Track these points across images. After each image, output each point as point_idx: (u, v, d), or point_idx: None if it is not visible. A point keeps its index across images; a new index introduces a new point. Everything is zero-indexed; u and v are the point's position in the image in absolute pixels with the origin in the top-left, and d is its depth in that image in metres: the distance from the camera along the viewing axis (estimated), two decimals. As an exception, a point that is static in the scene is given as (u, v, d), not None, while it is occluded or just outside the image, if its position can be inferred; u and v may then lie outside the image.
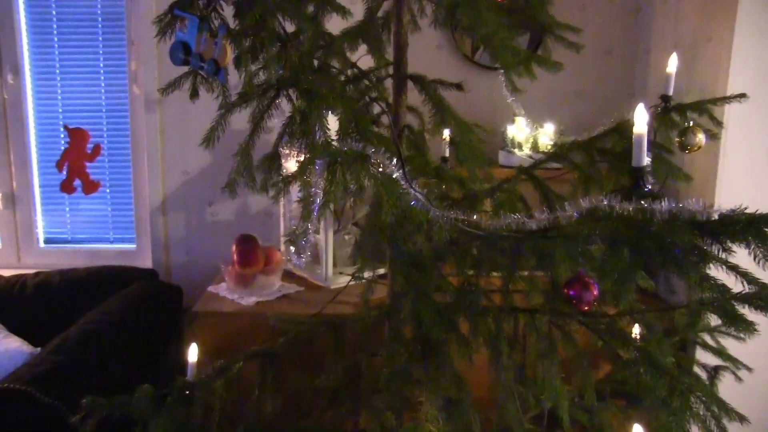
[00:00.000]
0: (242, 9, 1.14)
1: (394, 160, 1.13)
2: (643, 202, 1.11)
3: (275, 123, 1.34)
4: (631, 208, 1.08)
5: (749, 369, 1.94)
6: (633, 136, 1.17)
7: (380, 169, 1.09)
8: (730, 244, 1.11)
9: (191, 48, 1.12)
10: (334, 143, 1.17)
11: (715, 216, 1.10)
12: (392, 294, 1.65)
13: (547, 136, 2.69)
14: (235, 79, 1.26)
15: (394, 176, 1.10)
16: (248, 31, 1.15)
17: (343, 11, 1.54)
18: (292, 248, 1.46)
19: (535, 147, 2.65)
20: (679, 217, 1.09)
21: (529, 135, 2.68)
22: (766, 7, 2.15)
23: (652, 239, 1.10)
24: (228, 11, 1.23)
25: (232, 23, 1.21)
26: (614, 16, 2.99)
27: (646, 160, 1.19)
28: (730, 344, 1.88)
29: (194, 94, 1.36)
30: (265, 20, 1.14)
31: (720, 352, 1.94)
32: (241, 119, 1.41)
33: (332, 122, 1.25)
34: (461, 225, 1.12)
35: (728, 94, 2.17)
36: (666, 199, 1.13)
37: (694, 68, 2.39)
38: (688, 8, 2.49)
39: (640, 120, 1.16)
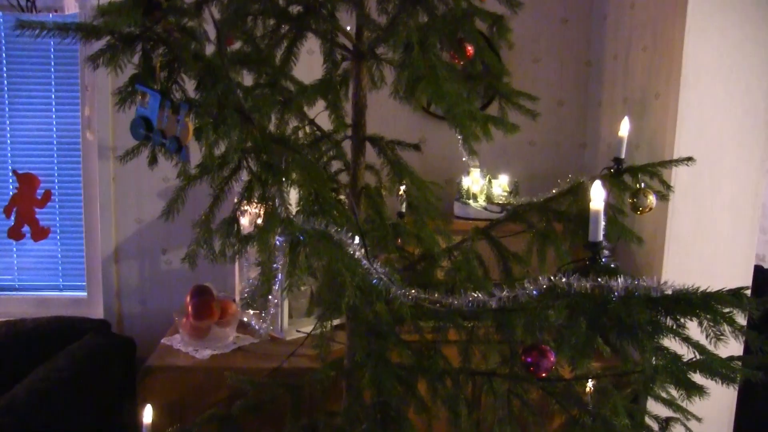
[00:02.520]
0: (204, 85, 1.14)
1: (355, 236, 1.14)
2: (599, 278, 1.13)
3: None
4: (588, 286, 1.11)
5: (699, 419, 1.97)
6: (590, 212, 1.20)
7: (342, 249, 1.09)
8: (682, 320, 1.15)
9: (153, 124, 1.12)
10: (295, 218, 1.17)
11: (669, 292, 1.13)
12: (350, 358, 1.65)
13: (500, 187, 2.73)
14: (194, 146, 1.26)
15: (356, 255, 1.11)
16: (210, 105, 1.15)
17: (299, 85, 1.56)
18: (250, 310, 1.45)
19: (489, 199, 2.68)
20: (634, 294, 1.11)
21: (484, 186, 2.71)
22: (710, 66, 2.23)
23: (609, 316, 1.12)
24: (189, 83, 1.23)
25: (193, 94, 1.21)
26: (566, 69, 3.06)
27: (602, 235, 1.22)
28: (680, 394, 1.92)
29: (153, 161, 1.34)
30: (227, 96, 1.14)
31: (671, 403, 1.97)
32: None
33: (292, 191, 1.26)
34: (424, 303, 1.13)
35: (675, 150, 2.25)
36: (621, 274, 1.15)
37: (643, 123, 2.46)
38: (637, 65, 2.57)
39: (597, 197, 1.19)
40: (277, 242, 1.13)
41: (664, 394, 1.98)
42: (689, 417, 1.98)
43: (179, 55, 1.10)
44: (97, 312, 3.12)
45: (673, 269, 2.30)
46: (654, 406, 2.02)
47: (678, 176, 2.23)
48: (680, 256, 2.29)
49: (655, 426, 2.06)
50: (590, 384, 1.76)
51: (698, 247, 2.30)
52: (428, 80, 1.26)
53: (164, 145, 1.12)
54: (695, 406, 1.91)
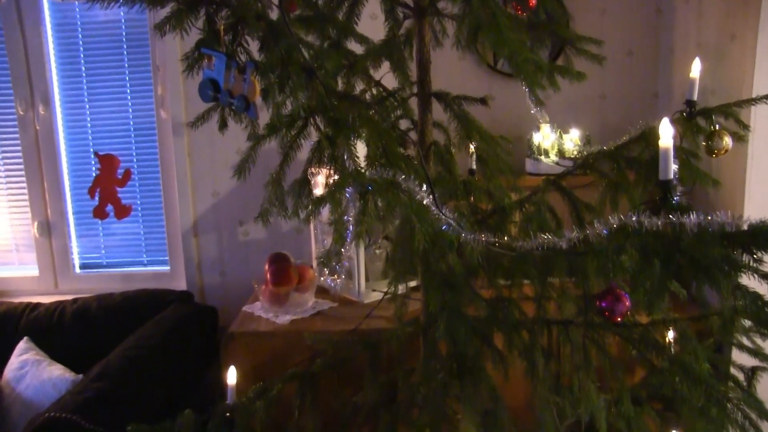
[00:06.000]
0: (268, 44, 1.16)
1: (424, 185, 1.15)
2: (671, 215, 1.11)
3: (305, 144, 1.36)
4: (660, 224, 1.09)
5: (787, 369, 1.93)
6: (659, 150, 1.17)
7: (411, 197, 1.11)
8: (761, 255, 1.12)
9: (220, 85, 1.15)
10: (364, 170, 1.19)
11: (745, 227, 1.10)
12: (426, 313, 1.67)
13: (572, 141, 2.69)
14: (262, 108, 1.29)
15: (424, 202, 1.12)
16: (274, 64, 1.17)
17: (363, 40, 1.56)
18: (326, 269, 1.49)
19: (561, 153, 2.65)
20: (708, 230, 1.09)
21: (555, 141, 2.68)
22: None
23: (682, 253, 1.10)
24: (253, 45, 1.25)
25: (257, 56, 1.24)
26: (635, 18, 2.97)
27: (673, 173, 1.19)
28: (767, 344, 1.87)
29: (223, 126, 1.38)
30: (290, 54, 1.16)
31: (756, 352, 1.93)
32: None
33: (360, 146, 1.27)
34: (493, 247, 1.14)
35: (754, 93, 2.16)
36: (694, 211, 1.13)
37: (719, 68, 2.38)
38: (711, 7, 2.47)
39: (666, 134, 1.17)
40: (347, 194, 1.15)
41: (749, 344, 1.94)
42: (777, 367, 1.93)
43: (242, 16, 1.12)
44: (180, 285, 3.23)
45: (755, 214, 2.22)
46: (739, 356, 1.98)
47: (758, 117, 2.15)
48: (762, 200, 2.22)
49: (740, 376, 2.02)
50: (671, 335, 1.73)
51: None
52: (489, 28, 1.26)
53: (232, 104, 1.15)
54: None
